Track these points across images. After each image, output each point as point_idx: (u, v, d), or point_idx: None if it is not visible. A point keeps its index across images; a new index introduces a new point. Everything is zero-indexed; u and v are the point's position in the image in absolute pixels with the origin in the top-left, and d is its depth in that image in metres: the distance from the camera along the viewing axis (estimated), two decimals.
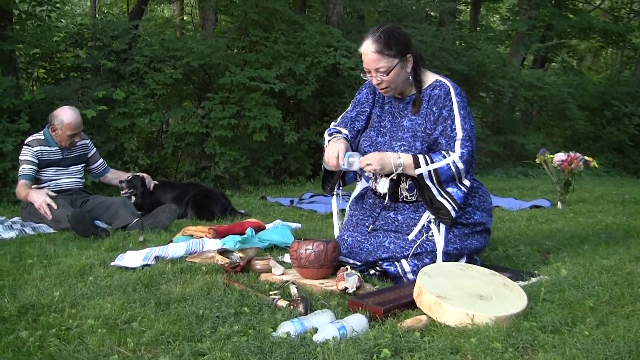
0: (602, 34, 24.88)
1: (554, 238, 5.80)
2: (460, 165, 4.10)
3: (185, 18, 21.65)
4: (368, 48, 4.18)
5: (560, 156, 8.44)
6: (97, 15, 17.00)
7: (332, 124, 4.76)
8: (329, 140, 4.58)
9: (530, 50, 20.67)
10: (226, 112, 10.85)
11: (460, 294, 3.36)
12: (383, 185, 4.23)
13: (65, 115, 6.49)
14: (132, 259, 4.55)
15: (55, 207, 6.17)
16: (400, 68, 4.22)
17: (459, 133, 4.14)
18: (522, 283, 3.95)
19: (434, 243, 4.20)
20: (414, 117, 4.31)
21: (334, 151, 4.25)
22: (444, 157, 4.12)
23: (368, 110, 4.59)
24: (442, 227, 4.23)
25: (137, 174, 7.38)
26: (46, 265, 4.49)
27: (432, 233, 4.23)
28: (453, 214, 4.19)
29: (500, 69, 17.16)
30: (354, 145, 4.60)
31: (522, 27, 19.83)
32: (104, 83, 10.45)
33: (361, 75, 4.43)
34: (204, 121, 11.00)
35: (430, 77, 4.38)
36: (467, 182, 4.19)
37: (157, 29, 17.32)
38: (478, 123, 16.81)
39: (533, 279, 4.13)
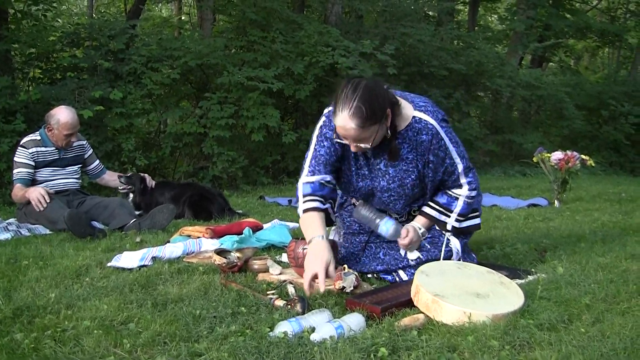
0: (599, 33, 24.98)
1: (551, 236, 5.82)
2: (473, 194, 4.11)
3: (183, 18, 21.63)
4: (347, 124, 3.61)
5: (557, 155, 8.47)
6: (94, 15, 17.03)
7: (306, 172, 4.08)
8: (303, 210, 4.01)
9: (528, 49, 20.71)
10: (224, 112, 10.85)
11: (457, 293, 3.36)
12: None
13: (62, 114, 6.48)
14: (129, 259, 4.54)
15: (48, 200, 6.16)
16: (381, 128, 3.76)
17: (459, 166, 4.02)
18: (519, 281, 3.95)
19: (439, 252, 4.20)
20: (395, 163, 4.03)
21: (310, 271, 3.57)
22: (456, 197, 4.10)
23: (340, 148, 4.06)
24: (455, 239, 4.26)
25: (140, 173, 7.40)
26: (42, 266, 4.47)
27: (452, 243, 4.23)
28: (478, 220, 4.35)
29: (498, 69, 17.21)
30: (334, 190, 4.18)
31: (520, 27, 19.84)
32: (100, 83, 10.43)
33: (335, 139, 3.99)
34: (202, 121, 11.00)
35: (406, 113, 3.93)
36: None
37: (155, 28, 17.30)
38: (476, 122, 16.83)
39: (530, 277, 4.13)
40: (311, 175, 4.05)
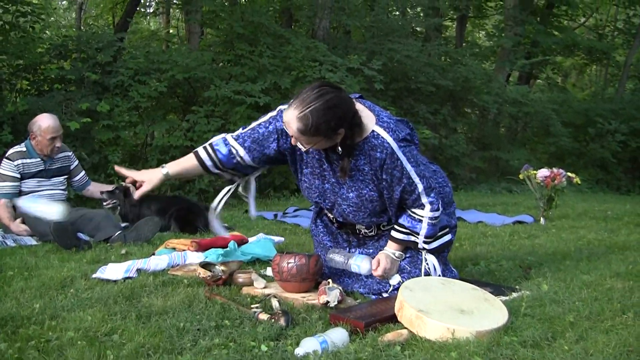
0: (587, 51, 25.06)
1: (536, 253, 5.83)
2: (436, 214, 4.04)
3: (171, 31, 21.64)
4: (291, 122, 3.66)
5: (543, 172, 8.48)
6: (82, 27, 17.00)
7: (235, 134, 4.22)
8: (194, 151, 4.31)
9: (515, 66, 20.74)
10: (211, 125, 10.86)
11: (441, 309, 3.37)
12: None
13: (42, 120, 6.48)
14: (113, 271, 4.53)
15: (30, 231, 6.27)
16: (326, 142, 3.79)
17: (419, 186, 3.93)
18: (503, 298, 3.95)
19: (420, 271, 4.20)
20: (352, 172, 3.98)
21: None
22: (419, 220, 4.03)
23: (292, 150, 4.11)
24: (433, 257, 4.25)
25: (122, 183, 7.37)
26: (27, 277, 4.45)
27: (429, 261, 4.23)
28: (450, 237, 4.34)
29: (486, 85, 17.25)
30: (242, 171, 4.35)
31: (507, 44, 19.90)
32: (88, 95, 10.43)
33: (283, 122, 3.87)
34: (189, 134, 10.99)
35: (367, 125, 3.86)
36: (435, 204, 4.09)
37: (143, 41, 17.31)
38: (463, 139, 16.85)
39: (514, 294, 4.14)
40: (235, 140, 4.19)
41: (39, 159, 6.54)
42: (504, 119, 19.69)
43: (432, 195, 3.99)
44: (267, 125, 4.11)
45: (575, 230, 7.57)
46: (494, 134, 18.93)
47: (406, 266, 4.17)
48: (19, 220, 6.35)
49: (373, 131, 3.84)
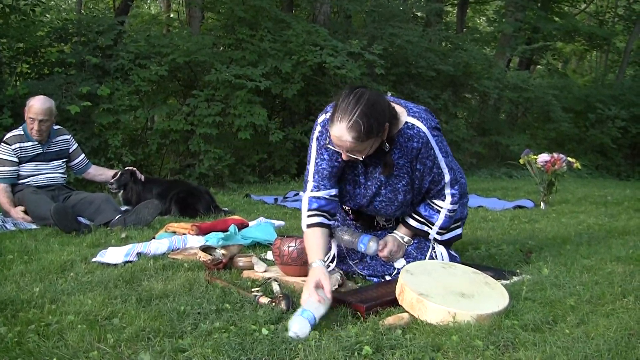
0: (587, 37, 25.06)
1: (536, 238, 5.82)
2: (455, 207, 4.07)
3: (171, 15, 21.59)
4: (343, 135, 3.50)
5: (544, 157, 8.47)
6: (82, 11, 16.94)
7: (311, 187, 3.96)
8: (307, 225, 3.91)
9: (516, 52, 20.72)
10: (211, 109, 10.85)
11: (442, 292, 3.36)
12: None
13: (34, 99, 6.48)
14: (113, 255, 4.53)
15: (30, 219, 6.24)
16: (377, 142, 3.69)
17: (446, 177, 3.95)
18: (504, 282, 3.94)
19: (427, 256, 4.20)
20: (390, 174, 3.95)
21: (305, 294, 3.33)
22: (437, 210, 4.06)
23: (339, 155, 3.84)
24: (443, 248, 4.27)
25: (127, 168, 7.36)
26: (27, 261, 4.46)
27: (437, 250, 4.23)
28: (460, 230, 4.40)
29: (486, 71, 17.25)
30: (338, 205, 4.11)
31: (508, 29, 19.89)
32: (88, 79, 10.42)
33: (329, 145, 3.80)
34: (189, 119, 10.99)
35: (399, 119, 3.82)
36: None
37: (143, 25, 17.27)
38: (463, 124, 16.84)
39: (515, 278, 4.13)
40: (317, 190, 3.93)
41: (36, 142, 6.53)
42: (504, 105, 19.70)
43: (455, 187, 4.02)
44: (322, 155, 3.93)
45: (576, 215, 7.57)
46: (494, 120, 18.94)
47: (412, 251, 4.17)
48: (19, 207, 6.34)
49: (407, 122, 3.81)
